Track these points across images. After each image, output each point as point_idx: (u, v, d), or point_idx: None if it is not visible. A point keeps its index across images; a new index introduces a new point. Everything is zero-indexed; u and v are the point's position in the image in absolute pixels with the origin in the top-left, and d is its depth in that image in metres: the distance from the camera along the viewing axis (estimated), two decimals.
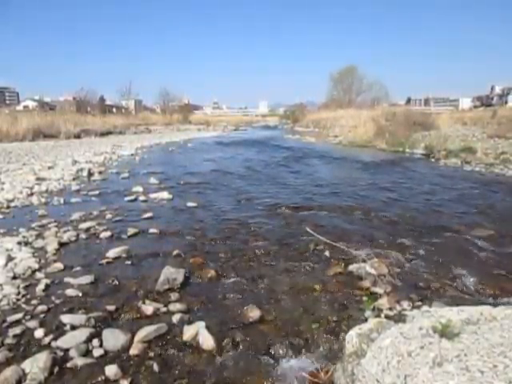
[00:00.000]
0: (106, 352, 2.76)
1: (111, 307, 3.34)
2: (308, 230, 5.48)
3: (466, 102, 79.26)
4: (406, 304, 3.47)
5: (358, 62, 59.08)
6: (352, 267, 4.23)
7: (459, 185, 9.89)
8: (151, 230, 5.53)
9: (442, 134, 19.15)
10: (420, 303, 3.50)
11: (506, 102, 62.39)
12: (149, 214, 6.41)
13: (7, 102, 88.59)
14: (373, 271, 4.08)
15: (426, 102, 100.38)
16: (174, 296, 3.59)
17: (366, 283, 3.90)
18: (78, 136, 27.45)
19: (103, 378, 2.49)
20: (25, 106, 67.25)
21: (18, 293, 3.61)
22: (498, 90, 76.66)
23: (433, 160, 15.39)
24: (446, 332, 2.00)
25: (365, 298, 3.59)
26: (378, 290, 3.76)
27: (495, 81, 79.52)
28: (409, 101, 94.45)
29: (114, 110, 69.60)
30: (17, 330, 2.98)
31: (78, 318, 3.14)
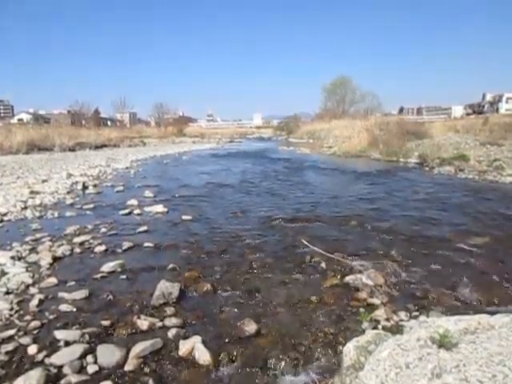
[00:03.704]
0: (101, 368, 2.72)
1: (106, 322, 3.30)
2: (304, 241, 5.47)
3: (458, 110, 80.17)
4: (403, 314, 3.46)
5: (350, 74, 59.65)
6: (348, 278, 4.22)
7: (453, 193, 9.94)
8: (146, 244, 5.49)
9: (435, 142, 19.28)
10: (417, 313, 3.48)
11: (498, 110, 63.22)
12: (144, 228, 6.38)
13: (1, 115, 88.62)
14: (369, 282, 4.07)
15: (419, 111, 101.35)
16: (169, 310, 3.55)
17: (363, 294, 3.89)
18: (72, 149, 27.42)
19: None
20: (19, 119, 67.24)
21: (11, 308, 3.56)
22: (489, 97, 77.68)
23: (427, 168, 15.49)
24: (444, 342, 1.99)
25: (362, 310, 3.57)
26: (375, 300, 3.75)
27: (486, 89, 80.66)
28: (401, 110, 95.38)
29: (109, 122, 69.73)
30: (9, 346, 2.93)
31: (72, 333, 3.09)
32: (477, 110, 73.25)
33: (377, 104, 56.27)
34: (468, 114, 65.23)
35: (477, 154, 15.19)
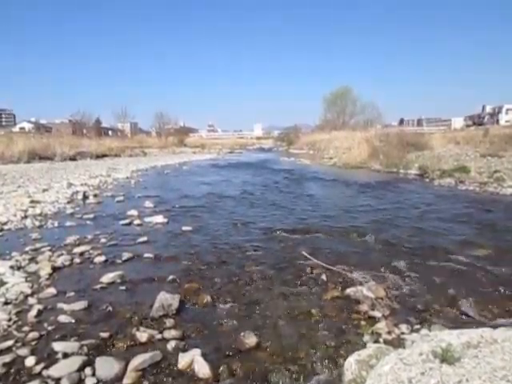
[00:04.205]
0: (99, 381, 2.69)
1: (105, 334, 3.27)
2: (304, 253, 5.45)
3: (458, 122, 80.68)
4: (404, 328, 3.43)
5: (351, 85, 60.05)
6: (349, 291, 4.19)
7: (454, 204, 9.93)
8: (146, 255, 5.47)
9: (436, 153, 19.34)
10: (419, 326, 3.45)
11: (498, 121, 63.59)
12: (144, 238, 6.36)
13: (3, 123, 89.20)
14: (370, 294, 4.04)
15: (419, 122, 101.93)
16: (169, 322, 3.52)
17: (364, 307, 3.86)
18: (73, 158, 27.51)
19: None
20: (21, 128, 67.66)
21: (10, 319, 3.53)
22: (488, 109, 78.23)
23: (427, 180, 15.50)
24: (446, 357, 1.97)
25: (363, 323, 3.54)
26: (376, 313, 3.72)
27: (486, 100, 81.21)
28: (402, 122, 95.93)
29: (110, 132, 70.08)
30: (7, 358, 2.90)
31: (71, 345, 3.06)
32: (477, 121, 73.72)
33: (377, 115, 56.58)
34: (468, 126, 65.62)
35: (477, 166, 15.22)
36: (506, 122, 58.06)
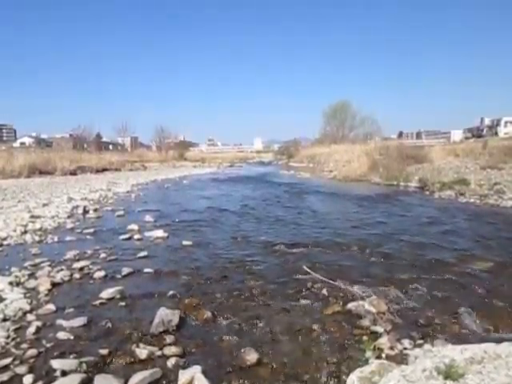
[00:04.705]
0: None
1: (104, 351, 3.23)
2: (305, 268, 5.42)
3: (457, 134, 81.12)
4: (407, 343, 3.39)
5: (350, 98, 60.62)
6: (350, 305, 4.16)
7: (455, 217, 9.91)
8: (146, 270, 5.44)
9: (435, 166, 19.38)
10: (422, 341, 3.41)
11: (496, 133, 63.93)
12: (144, 253, 6.33)
13: (4, 138, 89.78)
14: (372, 309, 4.01)
15: (418, 135, 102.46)
16: (169, 339, 3.48)
17: (366, 322, 3.82)
18: (73, 173, 27.58)
19: None
20: (21, 143, 68.09)
21: (8, 336, 3.50)
22: (487, 121, 78.68)
23: (427, 193, 15.49)
24: (450, 373, 1.95)
25: (365, 338, 3.50)
26: (378, 328, 3.68)
27: (484, 113, 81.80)
28: (401, 134, 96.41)
29: (111, 146, 70.45)
30: (4, 376, 2.86)
31: (69, 362, 3.03)
32: (476, 133, 74.13)
33: (376, 128, 56.86)
34: (467, 138, 65.98)
35: (477, 178, 15.24)
36: (505, 134, 58.36)
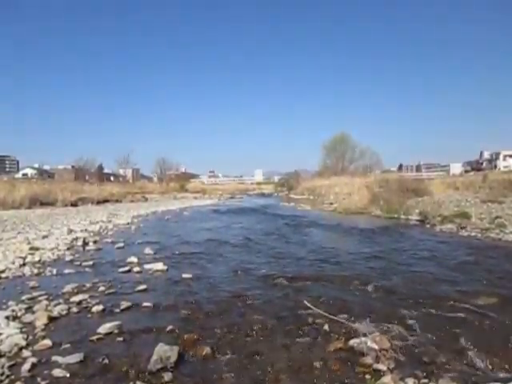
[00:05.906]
0: None
1: None
2: (306, 302, 5.35)
3: (456, 167, 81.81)
4: (411, 382, 3.31)
5: (349, 131, 61.51)
6: (353, 342, 4.07)
7: (457, 251, 9.84)
8: (145, 304, 5.38)
9: (436, 199, 19.41)
10: (426, 380, 3.34)
11: (496, 167, 64.39)
12: (143, 287, 6.27)
13: (7, 169, 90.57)
14: (374, 346, 3.92)
15: (418, 167, 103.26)
16: (167, 376, 3.40)
17: (368, 359, 3.73)
18: (74, 204, 27.67)
19: None
20: (24, 174, 68.63)
21: (2, 373, 3.43)
22: (486, 155, 79.42)
23: (428, 226, 15.44)
24: None
25: (368, 376, 3.42)
26: (381, 366, 3.59)
27: (483, 146, 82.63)
28: (400, 167, 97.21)
29: (112, 178, 70.86)
30: None
31: None
32: (475, 166, 74.72)
33: (376, 161, 57.35)
34: (466, 171, 66.43)
35: (478, 212, 15.23)
36: (505, 167, 58.82)
